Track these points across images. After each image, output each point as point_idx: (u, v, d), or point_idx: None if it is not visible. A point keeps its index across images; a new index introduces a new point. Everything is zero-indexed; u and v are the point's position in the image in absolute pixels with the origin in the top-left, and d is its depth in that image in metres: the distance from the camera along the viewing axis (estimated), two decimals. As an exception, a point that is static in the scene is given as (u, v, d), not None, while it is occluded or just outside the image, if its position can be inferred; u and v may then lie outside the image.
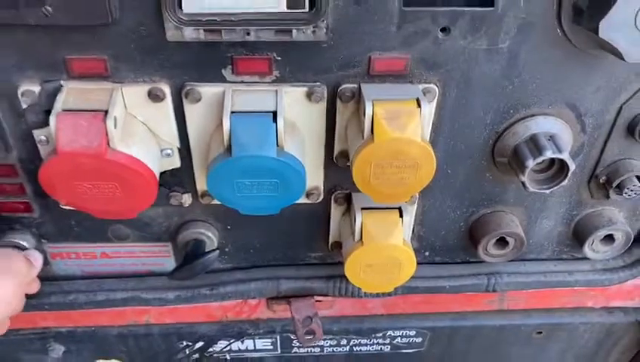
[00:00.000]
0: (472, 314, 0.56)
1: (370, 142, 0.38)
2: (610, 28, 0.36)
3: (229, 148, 0.39)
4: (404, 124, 0.38)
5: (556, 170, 0.43)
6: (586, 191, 0.49)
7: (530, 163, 0.42)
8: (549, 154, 0.42)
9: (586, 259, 0.53)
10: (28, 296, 0.52)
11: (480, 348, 0.60)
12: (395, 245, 0.45)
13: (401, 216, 0.45)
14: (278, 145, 0.40)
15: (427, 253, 0.53)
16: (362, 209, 0.45)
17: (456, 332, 0.58)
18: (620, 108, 0.44)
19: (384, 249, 0.45)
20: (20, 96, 0.40)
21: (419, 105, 0.39)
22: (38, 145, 0.42)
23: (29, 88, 0.40)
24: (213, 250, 0.49)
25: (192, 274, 0.50)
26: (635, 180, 0.46)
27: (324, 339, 0.58)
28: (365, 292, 0.51)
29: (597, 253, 0.52)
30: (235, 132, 0.39)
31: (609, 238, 0.51)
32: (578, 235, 0.51)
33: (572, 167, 0.42)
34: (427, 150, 0.39)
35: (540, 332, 0.59)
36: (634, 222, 0.51)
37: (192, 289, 0.52)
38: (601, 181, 0.47)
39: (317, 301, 0.52)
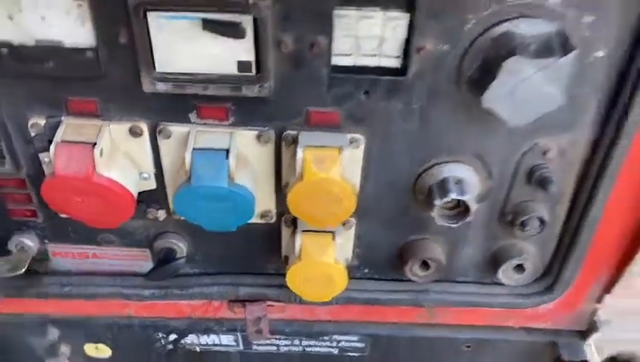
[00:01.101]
0: (407, 325, 0.65)
1: (300, 181, 0.48)
2: (492, 99, 0.45)
3: (189, 178, 0.49)
4: (328, 167, 0.48)
5: (462, 209, 0.52)
6: (497, 227, 0.57)
7: (438, 202, 0.51)
8: (453, 195, 0.50)
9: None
10: (31, 286, 0.63)
11: (417, 357, 0.69)
12: (326, 262, 0.54)
13: (333, 238, 0.54)
14: (229, 177, 0.49)
15: (367, 270, 0.62)
16: (303, 231, 0.55)
17: (393, 341, 0.66)
18: (520, 159, 0.52)
19: (318, 265, 0.54)
20: (29, 127, 0.50)
21: (342, 152, 0.48)
22: (43, 165, 0.53)
23: (37, 121, 0.50)
24: (182, 258, 0.59)
25: (164, 276, 0.59)
26: (536, 221, 0.55)
27: (279, 339, 0.67)
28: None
29: (510, 280, 0.60)
30: (194, 165, 0.49)
31: (520, 267, 0.59)
32: (494, 263, 0.60)
33: (473, 207, 0.51)
34: (347, 187, 0.48)
35: (469, 346, 0.67)
36: (543, 254, 0.59)
37: (165, 289, 0.61)
38: (508, 219, 0.56)
39: (270, 305, 0.62)
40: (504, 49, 0.43)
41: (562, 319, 0.64)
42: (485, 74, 0.44)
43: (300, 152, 0.48)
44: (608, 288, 0.60)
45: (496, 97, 0.44)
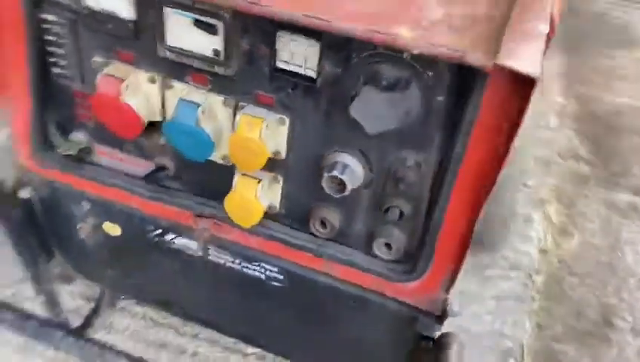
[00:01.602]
0: (312, 270, 0.87)
1: (235, 135, 0.73)
2: (355, 111, 0.66)
3: (174, 116, 0.76)
4: (253, 130, 0.72)
5: (342, 186, 0.74)
6: (375, 210, 0.78)
7: (325, 175, 0.73)
8: (335, 173, 0.72)
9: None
10: (79, 168, 0.93)
11: (319, 298, 0.90)
12: (248, 198, 0.78)
13: (258, 183, 0.79)
14: (196, 121, 0.75)
15: (289, 220, 0.85)
16: (242, 174, 0.80)
17: (303, 279, 0.89)
18: (390, 163, 0.73)
19: (243, 198, 0.79)
20: (92, 61, 0.80)
21: (265, 123, 0.72)
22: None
23: (97, 59, 0.79)
24: (168, 173, 0.86)
25: (153, 181, 0.87)
26: (397, 211, 0.75)
27: (225, 255, 0.92)
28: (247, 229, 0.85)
29: (382, 254, 0.81)
30: (178, 107, 0.76)
31: (388, 246, 0.79)
32: (372, 238, 0.80)
33: (349, 186, 0.72)
34: (261, 147, 0.72)
35: (355, 302, 0.88)
36: (409, 240, 0.79)
37: (158, 194, 0.89)
38: (380, 206, 0.77)
39: (216, 223, 0.87)
40: (368, 79, 0.65)
41: (422, 300, 0.83)
42: (354, 93, 0.66)
43: (239, 116, 0.73)
44: (453, 281, 0.79)
45: (356, 110, 0.66)
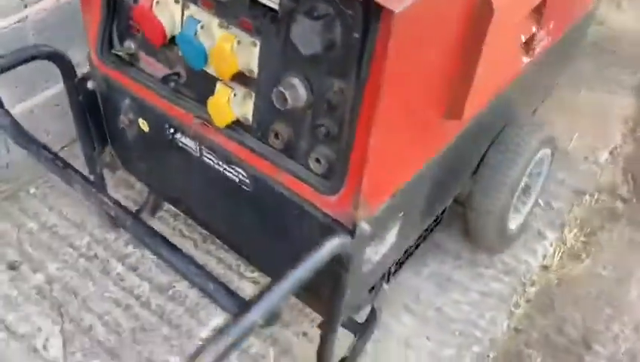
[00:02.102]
0: (270, 178, 1.07)
1: (215, 46, 0.96)
2: (293, 37, 0.86)
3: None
4: (228, 44, 0.95)
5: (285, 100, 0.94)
6: (313, 129, 0.96)
7: (274, 90, 0.94)
8: (280, 88, 0.93)
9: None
10: (125, 68, 1.22)
11: (273, 206, 1.10)
12: (222, 101, 1.01)
13: (232, 91, 1.01)
14: (195, 34, 1.00)
15: (259, 134, 1.06)
16: (222, 83, 1.03)
17: (262, 185, 1.10)
18: (323, 89, 0.91)
19: (218, 101, 1.01)
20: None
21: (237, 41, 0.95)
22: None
23: (145, -19, 1.07)
24: (179, 76, 1.11)
25: (167, 82, 1.13)
26: (323, 130, 0.93)
27: (213, 157, 1.15)
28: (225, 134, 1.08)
29: (314, 168, 0.99)
30: (186, 22, 1.01)
31: (318, 161, 0.97)
32: (309, 153, 0.99)
33: (289, 100, 0.92)
34: (231, 56, 0.94)
35: (297, 211, 1.06)
36: (335, 155, 0.96)
37: (173, 95, 1.15)
38: (315, 125, 0.95)
39: (205, 125, 1.11)
40: (305, 10, 0.85)
41: (339, 213, 0.99)
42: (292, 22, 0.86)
43: (222, 33, 0.96)
44: (362, 201, 0.95)
45: (294, 35, 0.86)
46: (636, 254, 1.74)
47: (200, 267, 0.91)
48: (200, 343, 1.45)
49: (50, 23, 1.67)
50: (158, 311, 1.52)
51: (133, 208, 1.70)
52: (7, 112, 1.22)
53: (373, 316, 1.38)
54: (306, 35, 0.84)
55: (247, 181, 1.12)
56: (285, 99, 0.93)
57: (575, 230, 1.79)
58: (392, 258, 1.29)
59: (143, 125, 1.27)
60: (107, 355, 1.43)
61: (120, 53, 1.19)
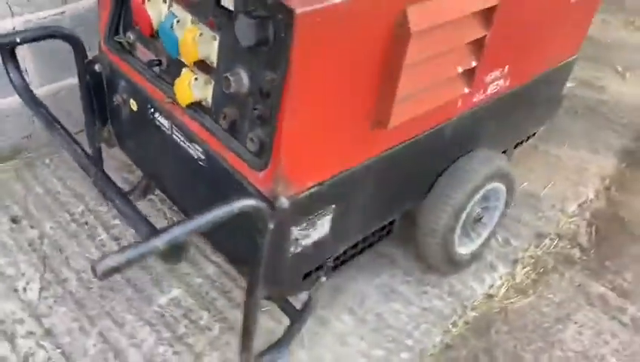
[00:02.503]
0: (218, 154, 1.26)
1: (182, 38, 1.17)
2: (236, 31, 1.06)
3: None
4: (192, 36, 1.15)
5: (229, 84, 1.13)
6: (252, 114, 1.15)
7: (222, 75, 1.13)
8: (226, 74, 1.12)
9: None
10: (126, 57, 1.45)
11: (221, 181, 1.28)
12: (184, 83, 1.21)
13: (194, 75, 1.21)
14: (171, 27, 1.21)
15: (214, 114, 1.25)
16: (187, 68, 1.23)
17: (213, 161, 1.28)
18: (258, 79, 1.10)
19: (181, 82, 1.22)
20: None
21: (200, 33, 1.16)
22: None
23: (144, -18, 1.31)
24: (161, 63, 1.33)
25: (152, 67, 1.35)
26: (256, 114, 1.11)
27: (180, 135, 1.35)
28: (186, 113, 1.28)
29: (250, 147, 1.17)
30: (166, 17, 1.23)
31: (252, 140, 1.15)
32: (246, 134, 1.17)
33: (233, 84, 1.11)
34: (193, 48, 1.15)
35: (237, 185, 1.24)
36: (266, 137, 1.13)
37: (154, 79, 1.36)
38: (253, 110, 1.14)
39: (174, 104, 1.31)
40: (247, 10, 1.05)
41: (265, 189, 1.16)
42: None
43: (190, 26, 1.17)
44: (282, 181, 1.12)
45: (236, 29, 1.06)
46: (581, 299, 1.82)
47: (135, 209, 1.10)
48: (156, 309, 1.63)
49: (85, 19, 1.94)
50: (127, 276, 1.70)
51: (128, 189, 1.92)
52: (27, 87, 1.45)
53: (308, 304, 1.52)
54: (244, 31, 1.04)
55: (203, 157, 1.31)
56: (229, 85, 1.12)
57: (528, 268, 1.89)
58: (328, 251, 1.44)
59: (133, 105, 1.49)
60: (74, 305, 1.62)
61: (122, 41, 1.42)
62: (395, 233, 1.68)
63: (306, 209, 1.24)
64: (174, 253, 1.00)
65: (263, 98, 1.11)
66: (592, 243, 2.01)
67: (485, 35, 1.32)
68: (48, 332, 1.55)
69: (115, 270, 0.90)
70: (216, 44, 1.18)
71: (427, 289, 1.77)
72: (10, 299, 1.62)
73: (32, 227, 1.82)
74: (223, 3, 1.13)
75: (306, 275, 1.46)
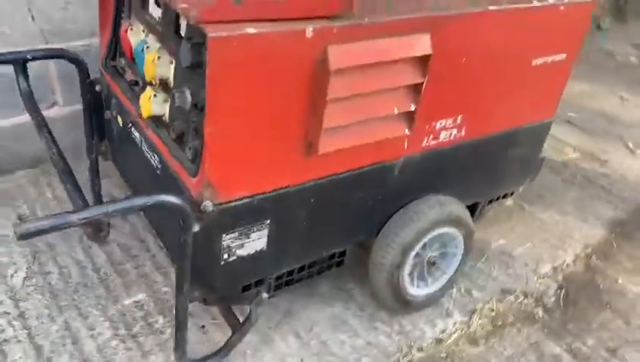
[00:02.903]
0: (168, 163, 1.43)
1: (145, 63, 1.38)
2: (179, 53, 1.25)
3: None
4: (151, 57, 1.36)
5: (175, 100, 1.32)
6: (190, 127, 1.32)
7: (172, 92, 1.32)
8: (174, 91, 1.31)
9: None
10: (118, 79, 1.68)
11: (168, 186, 1.44)
12: (144, 98, 1.41)
13: (153, 92, 1.40)
14: (142, 50, 1.43)
15: (170, 128, 1.43)
16: (150, 85, 1.43)
17: (164, 169, 1.45)
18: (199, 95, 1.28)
19: (143, 99, 1.41)
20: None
21: (158, 57, 1.36)
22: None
23: (126, 19, 1.54)
24: (137, 84, 1.54)
25: (132, 87, 1.56)
26: (192, 126, 1.28)
27: (145, 146, 1.54)
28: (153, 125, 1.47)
29: (188, 156, 1.33)
30: (139, 43, 1.44)
31: (190, 149, 1.32)
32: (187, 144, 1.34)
33: (177, 100, 1.30)
34: (151, 65, 1.35)
35: (178, 189, 1.40)
36: (200, 148, 1.30)
37: (132, 97, 1.58)
38: (192, 124, 1.30)
39: (140, 117, 1.51)
40: (187, 37, 1.24)
41: (196, 194, 1.32)
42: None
43: (154, 52, 1.38)
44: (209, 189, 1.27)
45: (179, 53, 1.25)
46: (532, 356, 1.81)
47: (76, 186, 1.29)
48: (119, 308, 1.79)
49: (109, 52, 2.22)
50: (103, 277, 1.87)
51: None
52: (34, 102, 1.70)
53: (249, 317, 1.62)
54: (184, 54, 1.23)
55: (159, 165, 1.49)
56: (175, 100, 1.31)
57: (485, 320, 1.91)
58: (268, 268, 1.56)
59: (119, 121, 1.70)
60: (49, 294, 1.80)
61: (116, 65, 1.66)
62: (355, 269, 1.78)
63: (235, 218, 1.38)
64: (96, 233, 1.16)
65: (200, 113, 1.28)
66: (558, 305, 2.00)
67: (422, 82, 1.45)
68: (21, 315, 1.73)
69: (32, 234, 1.06)
70: (172, 66, 1.37)
71: (377, 325, 1.83)
72: (-2, 282, 1.83)
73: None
74: (180, 31, 1.33)
75: (246, 288, 1.58)
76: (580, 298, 2.04)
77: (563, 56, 1.82)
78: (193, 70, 1.26)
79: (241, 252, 1.45)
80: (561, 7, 1.68)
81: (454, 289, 1.97)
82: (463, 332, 1.86)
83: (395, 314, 1.85)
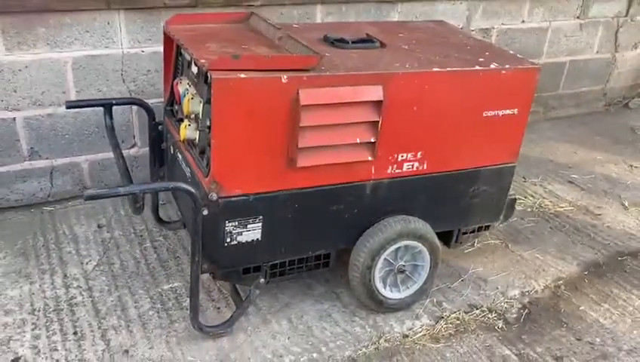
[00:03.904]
0: (195, 173, 2.03)
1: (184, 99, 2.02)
2: (201, 91, 1.86)
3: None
4: (187, 97, 1.99)
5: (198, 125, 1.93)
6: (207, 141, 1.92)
7: (197, 122, 1.94)
8: (200, 120, 1.92)
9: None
10: (174, 120, 2.34)
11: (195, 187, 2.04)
12: (182, 127, 2.03)
13: (188, 122, 2.03)
14: (184, 96, 2.07)
15: (198, 148, 2.04)
16: (187, 117, 2.06)
17: (192, 178, 2.05)
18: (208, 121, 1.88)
19: (181, 127, 2.04)
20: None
21: (192, 98, 1.99)
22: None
23: (179, 76, 2.21)
24: (183, 120, 2.18)
25: (177, 119, 2.21)
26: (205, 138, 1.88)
27: (184, 164, 2.16)
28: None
29: (204, 161, 1.92)
30: (183, 90, 2.09)
31: (205, 158, 1.90)
32: (204, 153, 1.93)
33: (200, 124, 1.90)
34: (186, 104, 1.98)
35: (198, 186, 1.99)
36: (209, 155, 1.88)
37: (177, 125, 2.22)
38: (206, 140, 1.90)
39: (180, 142, 2.13)
40: (204, 81, 1.86)
41: (207, 188, 1.89)
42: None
43: (190, 94, 2.02)
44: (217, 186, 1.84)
45: (200, 91, 1.87)
46: (483, 356, 2.14)
47: (125, 168, 1.91)
48: (159, 291, 2.35)
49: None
50: (151, 269, 2.47)
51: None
52: (116, 140, 2.41)
53: (248, 296, 2.13)
54: (202, 91, 1.86)
55: (190, 175, 2.09)
56: (198, 124, 1.93)
57: (449, 325, 2.27)
58: (263, 256, 2.08)
59: (171, 150, 2.35)
60: (111, 277, 2.41)
61: (172, 109, 2.33)
62: (345, 277, 2.24)
63: (235, 209, 1.93)
64: (135, 206, 1.76)
65: (209, 132, 1.88)
66: (518, 321, 2.33)
67: (378, 121, 1.98)
68: (89, 288, 2.34)
69: (93, 197, 1.67)
70: (201, 105, 2.00)
71: (355, 319, 2.26)
72: (75, 266, 2.46)
73: (107, 231, 2.71)
74: (208, 81, 1.97)
75: (246, 271, 2.10)
76: (541, 317, 2.35)
77: (515, 110, 2.28)
78: (209, 104, 1.87)
79: (240, 238, 1.99)
80: (503, 72, 2.17)
81: (427, 300, 2.36)
82: (428, 332, 2.24)
83: (372, 312, 2.28)
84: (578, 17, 4.10)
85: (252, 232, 2.01)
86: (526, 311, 2.38)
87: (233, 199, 1.92)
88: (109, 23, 2.64)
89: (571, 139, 3.99)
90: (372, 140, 2.02)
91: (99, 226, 2.75)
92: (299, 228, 2.07)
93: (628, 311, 2.40)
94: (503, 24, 3.78)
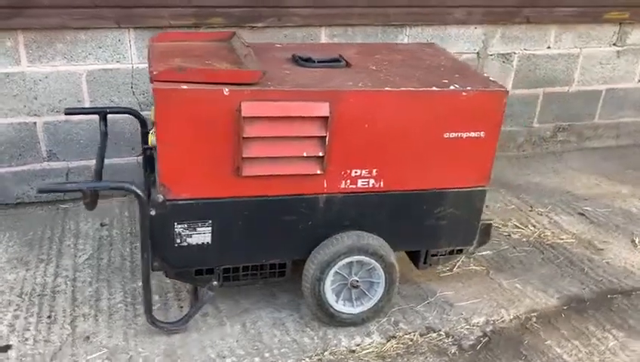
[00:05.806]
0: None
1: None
2: None
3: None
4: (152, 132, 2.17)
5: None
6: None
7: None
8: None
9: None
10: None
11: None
12: (151, 134, 2.20)
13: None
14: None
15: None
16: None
17: (155, 181, 2.22)
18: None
19: (150, 136, 2.21)
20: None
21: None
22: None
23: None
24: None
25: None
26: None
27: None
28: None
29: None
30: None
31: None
32: (161, 161, 2.09)
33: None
34: (152, 115, 2.15)
35: (156, 193, 2.14)
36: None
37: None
38: None
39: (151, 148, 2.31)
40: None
41: (157, 190, 2.04)
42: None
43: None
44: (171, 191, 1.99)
45: (158, 102, 2.04)
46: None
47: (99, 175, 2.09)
48: (135, 286, 2.53)
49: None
50: (134, 268, 2.65)
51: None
52: (103, 149, 2.64)
53: (202, 298, 2.25)
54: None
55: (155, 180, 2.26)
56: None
57: (400, 345, 2.26)
58: (215, 259, 2.19)
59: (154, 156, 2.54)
60: (96, 271, 2.62)
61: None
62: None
63: (183, 212, 2.06)
64: (85, 202, 1.95)
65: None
66: (473, 348, 2.27)
67: (325, 136, 2.05)
68: (74, 278, 2.56)
69: (44, 190, 1.87)
70: (165, 114, 2.17)
71: (306, 330, 2.31)
72: (69, 258, 2.70)
73: (106, 230, 2.94)
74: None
75: (198, 273, 2.22)
76: (499, 347, 2.27)
77: (481, 133, 2.26)
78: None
79: (190, 240, 2.12)
80: (464, 93, 2.17)
81: (384, 319, 2.36)
82: (376, 350, 2.24)
83: (325, 325, 2.31)
84: (614, 44, 3.92)
85: (202, 235, 2.13)
86: (485, 339, 2.32)
87: (180, 202, 2.05)
88: (119, 40, 2.91)
89: (598, 171, 3.79)
90: (320, 154, 2.08)
91: (101, 224, 2.99)
92: (251, 235, 2.17)
93: (598, 350, 2.27)
94: (525, 49, 3.70)
